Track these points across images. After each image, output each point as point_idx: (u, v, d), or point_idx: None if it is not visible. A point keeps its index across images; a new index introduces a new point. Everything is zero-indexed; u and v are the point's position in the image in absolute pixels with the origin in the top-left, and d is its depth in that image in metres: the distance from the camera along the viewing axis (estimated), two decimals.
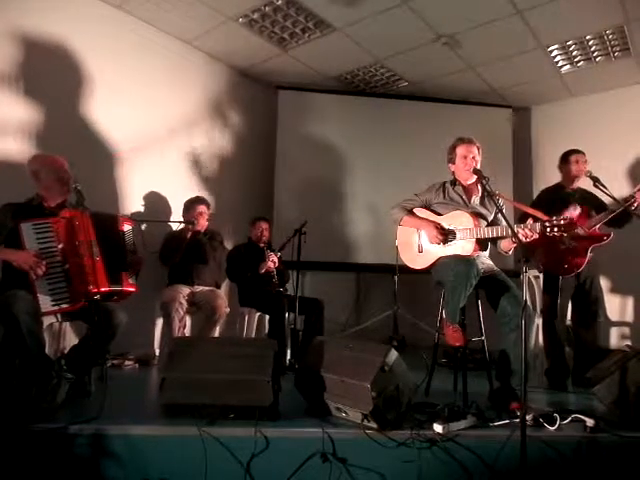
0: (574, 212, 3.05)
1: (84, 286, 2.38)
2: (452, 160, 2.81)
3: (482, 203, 2.78)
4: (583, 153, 3.23)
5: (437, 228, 2.68)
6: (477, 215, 2.69)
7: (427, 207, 2.84)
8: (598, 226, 3.03)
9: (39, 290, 2.30)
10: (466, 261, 2.52)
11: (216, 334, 3.49)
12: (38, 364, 2.21)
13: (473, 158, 2.71)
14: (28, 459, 1.88)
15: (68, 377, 2.43)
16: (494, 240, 2.73)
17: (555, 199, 3.18)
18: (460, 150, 2.76)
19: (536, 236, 2.37)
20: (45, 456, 1.89)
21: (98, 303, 2.41)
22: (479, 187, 2.75)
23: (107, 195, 3.66)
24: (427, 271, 2.80)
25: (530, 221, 2.42)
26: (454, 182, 2.82)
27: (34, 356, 2.20)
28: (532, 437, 1.90)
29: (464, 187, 2.79)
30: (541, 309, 3.37)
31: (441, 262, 2.67)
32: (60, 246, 2.40)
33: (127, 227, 2.74)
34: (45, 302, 2.30)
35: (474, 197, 2.78)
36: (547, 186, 3.38)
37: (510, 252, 2.71)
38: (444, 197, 2.80)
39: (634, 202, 2.92)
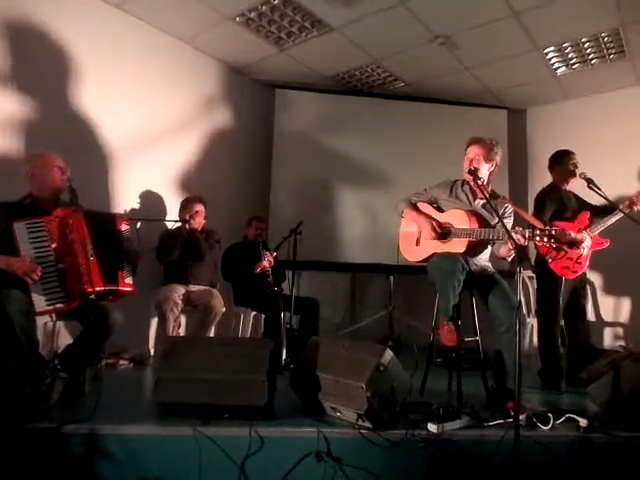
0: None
1: (78, 286, 2.37)
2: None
3: (486, 206, 2.76)
4: (575, 154, 3.26)
5: (432, 225, 2.70)
6: (476, 216, 2.69)
7: (433, 203, 2.86)
8: (599, 231, 3.05)
9: (33, 290, 2.27)
10: (450, 257, 2.54)
11: (211, 334, 3.48)
12: (32, 364, 2.20)
13: (473, 160, 2.71)
14: (22, 459, 1.86)
15: (62, 377, 2.43)
16: (493, 244, 2.74)
17: (558, 201, 3.19)
18: (467, 151, 2.79)
19: (524, 243, 2.38)
20: (39, 456, 1.88)
21: (93, 303, 2.40)
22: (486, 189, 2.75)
23: (103, 194, 3.65)
24: (423, 270, 2.81)
25: (519, 228, 2.43)
26: (464, 182, 2.84)
27: (28, 356, 2.18)
28: (526, 437, 1.91)
29: (471, 188, 2.80)
30: (536, 309, 3.38)
31: (430, 261, 2.69)
32: (53, 245, 2.38)
33: (124, 226, 2.73)
34: (39, 302, 2.28)
35: (479, 199, 2.78)
36: (542, 188, 3.35)
37: (509, 258, 2.65)
38: (450, 195, 2.82)
39: (633, 206, 2.98)
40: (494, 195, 2.76)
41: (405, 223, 2.94)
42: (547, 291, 3.15)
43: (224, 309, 3.50)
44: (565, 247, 2.90)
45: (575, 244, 2.92)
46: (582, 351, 3.12)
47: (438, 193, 2.85)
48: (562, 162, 3.26)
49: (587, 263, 3.04)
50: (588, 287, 3.27)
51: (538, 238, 2.21)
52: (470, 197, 2.79)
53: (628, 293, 4.40)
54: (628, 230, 3.10)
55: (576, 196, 3.29)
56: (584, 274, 3.18)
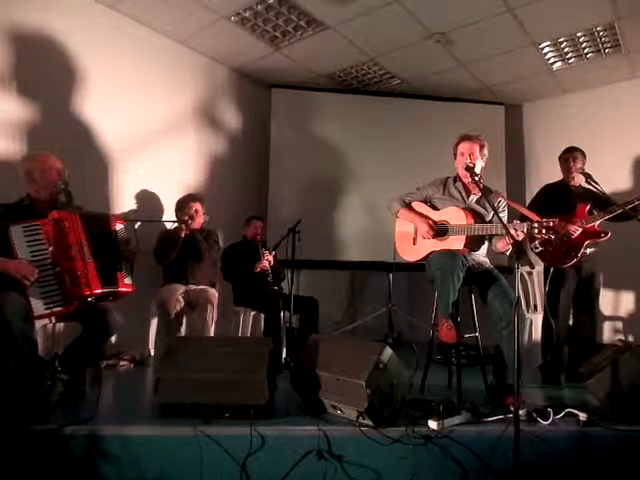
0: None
1: (76, 289, 2.36)
2: (455, 156, 2.83)
3: (480, 202, 2.79)
4: (575, 151, 3.27)
5: (429, 225, 2.70)
6: (472, 213, 2.70)
7: (427, 201, 2.86)
8: (597, 223, 3.04)
9: (31, 293, 2.27)
10: (450, 254, 2.55)
11: (211, 333, 3.47)
12: (31, 366, 2.20)
13: (470, 156, 2.72)
14: (23, 461, 1.87)
15: (62, 378, 2.43)
16: (490, 239, 2.75)
17: (556, 195, 3.23)
18: (460, 147, 2.78)
19: (521, 237, 2.39)
20: (41, 458, 1.88)
21: (91, 305, 2.39)
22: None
23: (101, 195, 3.64)
24: (422, 268, 2.82)
25: (517, 221, 2.44)
26: (456, 178, 2.84)
27: (27, 358, 2.18)
28: (526, 432, 1.92)
29: (464, 184, 2.81)
30: (534, 304, 3.39)
31: (430, 258, 2.70)
32: (50, 249, 2.37)
33: (119, 226, 2.72)
34: (37, 306, 2.28)
35: (472, 195, 2.80)
36: (546, 183, 3.42)
37: (507, 252, 2.69)
38: (444, 192, 2.82)
39: (638, 206, 2.93)
40: (488, 190, 2.76)
41: (400, 223, 2.94)
42: (551, 285, 3.15)
43: (217, 297, 3.47)
44: (551, 236, 2.88)
45: (565, 235, 2.94)
46: (584, 346, 3.11)
47: (431, 192, 2.85)
48: (560, 159, 3.32)
49: (580, 253, 3.01)
50: (599, 280, 3.23)
51: (537, 231, 2.22)
52: (463, 193, 2.80)
53: (627, 287, 4.41)
54: (628, 224, 3.11)
55: (588, 190, 3.22)
56: (592, 269, 3.16)
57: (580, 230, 2.94)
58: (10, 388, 2.10)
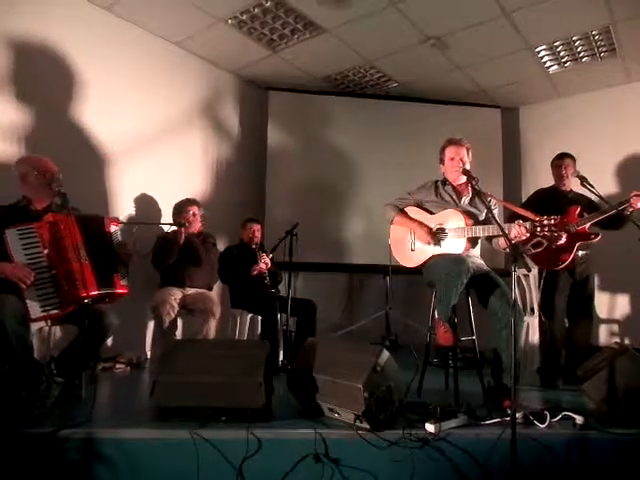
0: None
1: (73, 291, 2.35)
2: (442, 161, 2.86)
3: (472, 203, 2.81)
4: (566, 157, 3.30)
5: (427, 230, 2.71)
6: (469, 214, 2.72)
7: (419, 205, 2.87)
8: (588, 225, 3.06)
9: (27, 296, 2.26)
10: (458, 259, 2.55)
11: (211, 336, 3.46)
12: (27, 368, 2.19)
13: (461, 160, 2.74)
14: (19, 464, 1.85)
15: (58, 381, 2.42)
16: (489, 238, 2.76)
17: (547, 199, 3.24)
18: (448, 151, 2.80)
19: (526, 235, 2.41)
20: (36, 461, 1.87)
21: (88, 307, 2.39)
22: (469, 187, 2.78)
23: (98, 197, 3.64)
24: (419, 271, 2.82)
25: (519, 221, 2.45)
26: (444, 182, 2.85)
27: (22, 361, 2.17)
28: (522, 435, 1.92)
29: (454, 187, 2.82)
30: (530, 307, 3.41)
31: (432, 262, 2.70)
32: (45, 251, 2.36)
33: (114, 227, 2.72)
34: (34, 308, 2.27)
35: (464, 197, 2.81)
36: (542, 187, 3.45)
37: (507, 249, 2.71)
38: (436, 196, 2.83)
39: (628, 207, 2.91)
40: (479, 192, 2.77)
41: (395, 230, 2.93)
42: (545, 287, 3.17)
43: (219, 308, 3.46)
44: (554, 234, 2.89)
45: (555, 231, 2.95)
46: (581, 349, 3.10)
47: (423, 196, 2.86)
48: (552, 165, 3.37)
49: (572, 255, 3.02)
50: (593, 282, 3.25)
51: (539, 229, 2.23)
52: (454, 196, 2.81)
53: (623, 290, 4.42)
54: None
55: (579, 194, 3.27)
56: (585, 271, 3.17)
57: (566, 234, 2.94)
58: (5, 391, 2.09)
